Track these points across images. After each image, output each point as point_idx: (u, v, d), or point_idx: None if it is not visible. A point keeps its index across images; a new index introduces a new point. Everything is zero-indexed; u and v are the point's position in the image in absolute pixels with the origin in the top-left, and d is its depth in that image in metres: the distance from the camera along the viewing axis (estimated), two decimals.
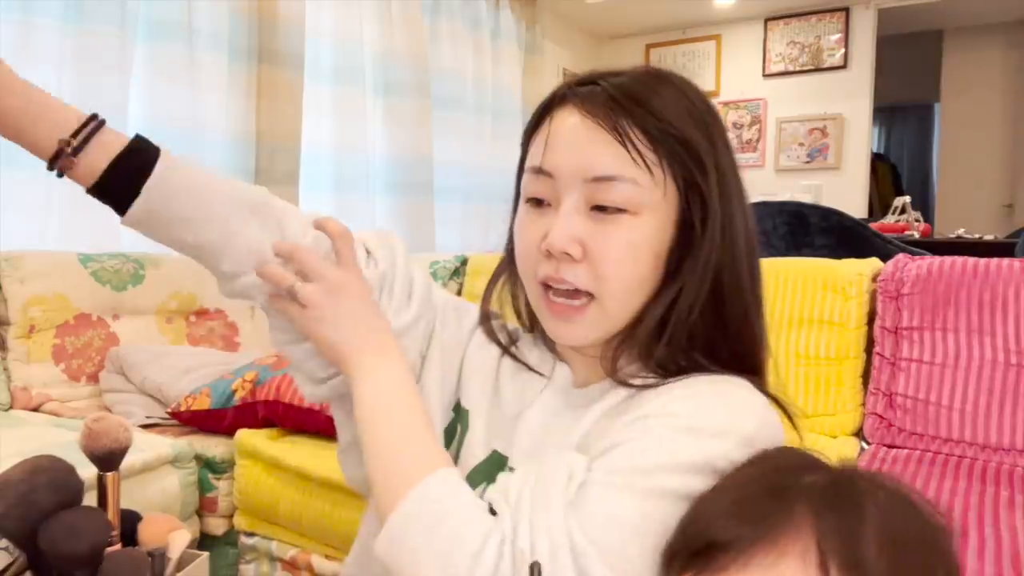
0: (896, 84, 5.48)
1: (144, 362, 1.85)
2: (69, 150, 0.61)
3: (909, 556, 0.45)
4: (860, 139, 4.64)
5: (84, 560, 0.73)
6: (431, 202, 3.35)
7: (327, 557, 1.49)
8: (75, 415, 1.72)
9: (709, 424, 0.55)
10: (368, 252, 0.71)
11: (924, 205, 5.34)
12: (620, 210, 0.60)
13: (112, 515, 0.83)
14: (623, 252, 0.60)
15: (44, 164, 0.62)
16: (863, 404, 1.61)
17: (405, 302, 0.71)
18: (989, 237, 3.50)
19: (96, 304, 1.95)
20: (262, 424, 1.66)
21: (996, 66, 5.33)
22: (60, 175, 0.62)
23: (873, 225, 3.01)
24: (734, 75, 4.94)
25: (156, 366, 1.84)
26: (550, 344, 0.71)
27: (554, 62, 4.61)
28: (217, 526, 1.63)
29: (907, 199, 3.63)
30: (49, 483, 0.74)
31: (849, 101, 4.61)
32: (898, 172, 6.23)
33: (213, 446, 1.63)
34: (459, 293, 2.32)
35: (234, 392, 1.68)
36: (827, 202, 3.51)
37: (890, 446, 1.52)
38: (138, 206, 0.62)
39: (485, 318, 0.76)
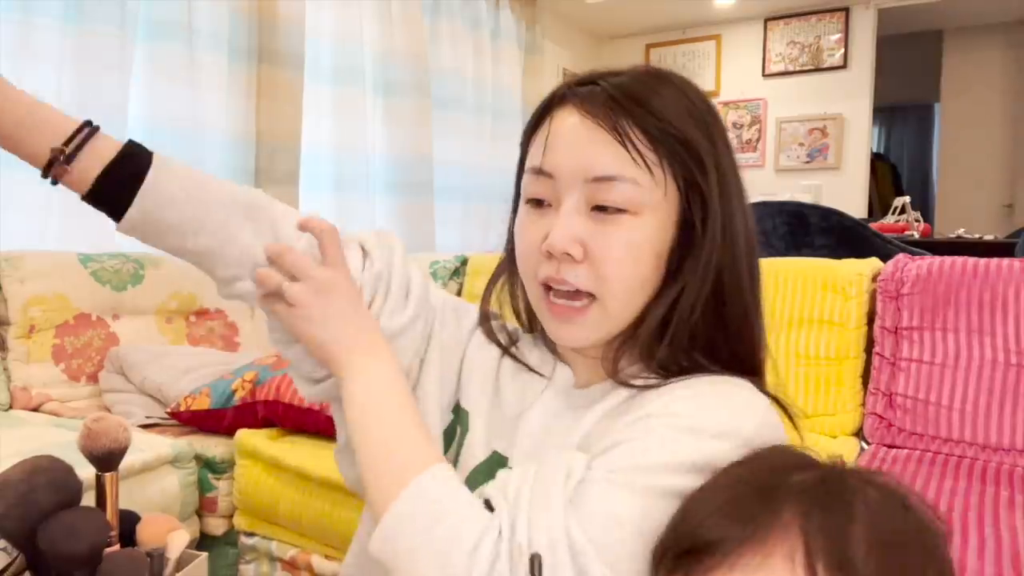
0: (896, 84, 5.47)
1: (144, 362, 1.85)
2: (62, 158, 0.61)
3: (899, 555, 0.44)
4: (860, 139, 4.63)
5: (83, 560, 0.73)
6: (431, 202, 3.35)
7: (327, 557, 1.49)
8: (75, 415, 1.72)
9: (711, 424, 0.55)
10: (365, 252, 0.71)
11: (924, 205, 5.34)
12: (620, 210, 0.59)
13: (111, 515, 0.83)
14: (624, 252, 0.60)
15: None
16: (863, 404, 1.61)
17: (402, 302, 0.70)
18: (989, 237, 3.49)
19: (96, 304, 1.95)
20: (262, 424, 1.66)
21: (996, 66, 5.33)
22: (55, 183, 0.62)
23: (873, 225, 3.01)
24: (734, 75, 4.93)
25: (156, 366, 1.84)
26: (551, 345, 0.71)
27: (554, 62, 4.60)
28: (217, 526, 1.63)
29: (907, 199, 3.63)
30: (48, 483, 0.74)
31: (849, 101, 4.61)
32: (898, 172, 6.23)
33: (213, 446, 1.63)
34: (459, 293, 2.32)
35: (234, 392, 1.68)
36: (827, 202, 3.52)
37: (890, 446, 1.52)
38: (132, 213, 0.62)
39: (485, 318, 0.76)
